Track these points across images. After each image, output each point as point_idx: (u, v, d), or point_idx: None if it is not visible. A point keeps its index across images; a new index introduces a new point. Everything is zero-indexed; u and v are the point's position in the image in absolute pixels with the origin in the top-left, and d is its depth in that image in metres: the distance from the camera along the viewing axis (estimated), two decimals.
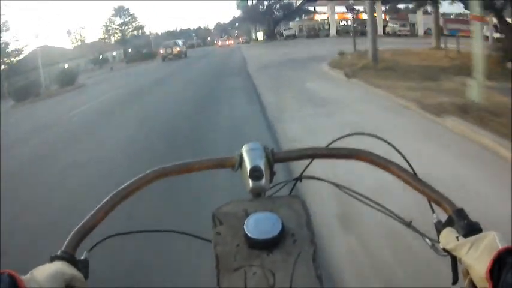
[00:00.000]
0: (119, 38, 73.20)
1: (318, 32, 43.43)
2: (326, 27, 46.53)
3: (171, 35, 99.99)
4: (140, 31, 75.42)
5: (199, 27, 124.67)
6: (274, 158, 0.68)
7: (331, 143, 0.76)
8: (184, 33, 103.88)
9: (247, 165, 0.65)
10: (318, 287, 0.49)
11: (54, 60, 48.37)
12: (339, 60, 14.03)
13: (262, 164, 0.65)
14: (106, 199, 0.63)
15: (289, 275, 0.50)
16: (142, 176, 0.67)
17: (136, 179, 0.66)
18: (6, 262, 2.41)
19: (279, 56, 20.90)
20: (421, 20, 38.39)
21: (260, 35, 59.06)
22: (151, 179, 0.67)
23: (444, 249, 0.52)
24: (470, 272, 0.46)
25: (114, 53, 65.70)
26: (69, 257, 0.54)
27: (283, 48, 29.28)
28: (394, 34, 35.99)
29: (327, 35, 41.44)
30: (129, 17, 75.30)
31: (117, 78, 25.21)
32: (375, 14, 39.24)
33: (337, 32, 40.78)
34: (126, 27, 74.71)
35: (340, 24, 45.77)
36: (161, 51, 37.51)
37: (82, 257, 0.57)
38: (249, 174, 0.65)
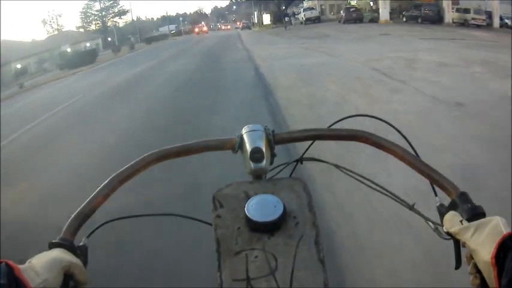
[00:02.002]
0: (99, 25, 59.82)
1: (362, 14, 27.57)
2: (355, 5, 32.02)
3: (167, 20, 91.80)
4: (130, 18, 62.34)
5: (196, 12, 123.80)
6: (275, 139, 0.64)
7: (333, 124, 0.72)
8: (179, 18, 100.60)
9: (248, 147, 0.61)
10: (320, 270, 0.47)
11: (11, 58, 35.57)
12: None
13: (262, 146, 0.61)
14: (105, 183, 0.59)
15: (292, 258, 0.48)
16: (141, 159, 0.62)
17: (134, 162, 0.61)
18: None
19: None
20: (497, 8, 24.11)
21: (266, 18, 44.05)
22: (150, 161, 0.62)
23: (447, 233, 0.50)
24: (475, 256, 0.44)
25: (88, 44, 51.64)
26: (67, 244, 0.51)
27: (339, 45, 14.78)
28: (464, 24, 21.74)
29: (373, 20, 26.22)
30: (110, 1, 61.78)
31: None
32: None
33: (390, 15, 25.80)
34: (106, 13, 61.20)
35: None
36: (196, 30, 58.33)
37: (81, 243, 0.54)
38: (250, 156, 0.61)
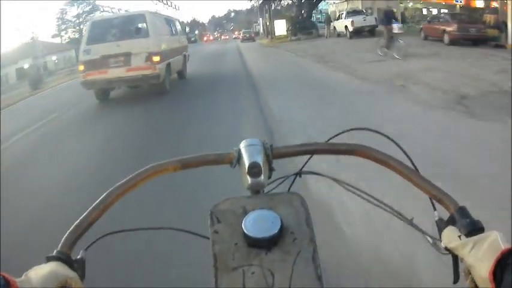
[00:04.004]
0: (75, 34, 47.33)
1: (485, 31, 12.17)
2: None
3: None
4: None
5: (194, 20, 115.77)
6: (273, 153, 0.63)
7: (331, 138, 0.70)
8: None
9: (246, 162, 0.60)
10: (317, 287, 0.46)
11: None
12: None
13: (260, 160, 0.60)
14: (102, 196, 0.57)
15: (289, 274, 0.47)
16: (139, 172, 0.61)
17: (132, 176, 0.60)
18: None
19: None
20: None
21: (280, 26, 30.81)
22: (148, 175, 0.61)
23: (446, 248, 0.48)
24: (472, 272, 0.43)
25: (55, 58, 39.17)
26: (64, 257, 0.50)
27: None
28: None
29: (487, 40, 12.03)
30: (90, 6, 49.23)
31: None
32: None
33: None
34: (83, 20, 48.62)
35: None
36: (204, 39, 68.70)
37: (78, 257, 0.53)
38: (248, 171, 0.60)
